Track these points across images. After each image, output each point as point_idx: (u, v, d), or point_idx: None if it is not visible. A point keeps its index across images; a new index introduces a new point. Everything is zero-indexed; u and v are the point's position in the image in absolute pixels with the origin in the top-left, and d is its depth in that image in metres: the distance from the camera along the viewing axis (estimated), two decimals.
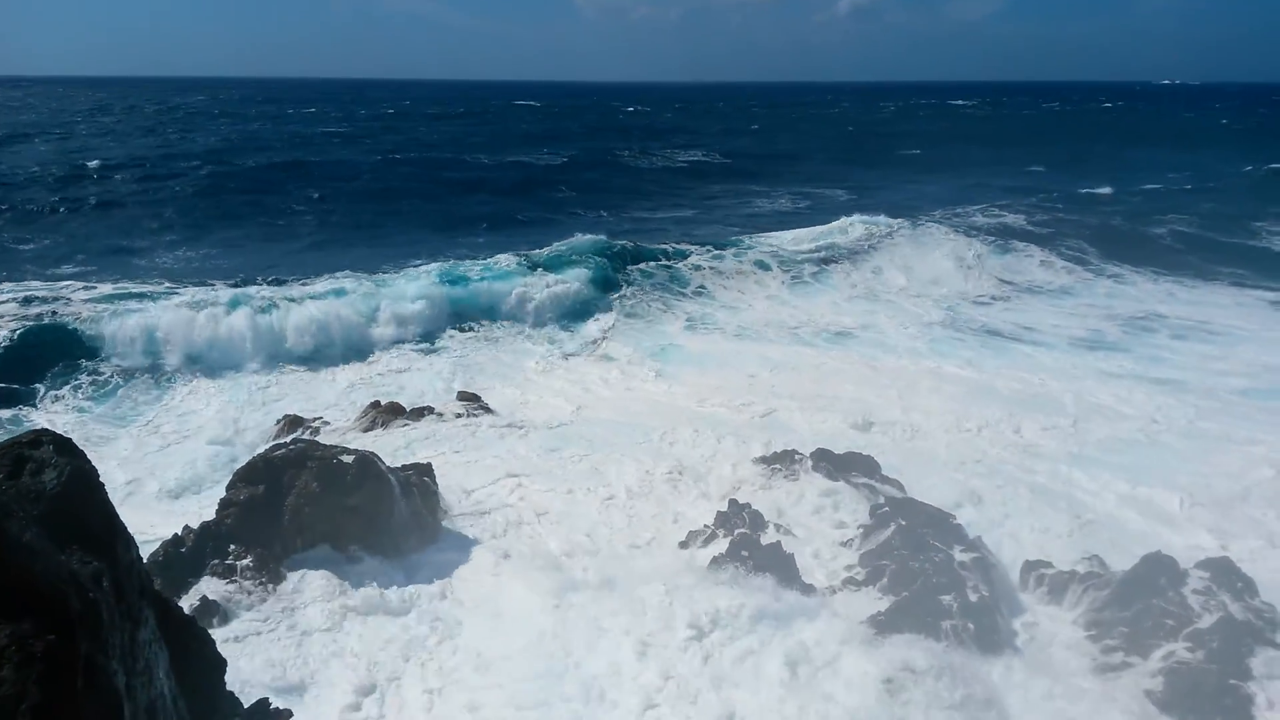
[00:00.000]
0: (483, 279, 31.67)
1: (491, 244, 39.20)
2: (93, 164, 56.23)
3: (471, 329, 29.26)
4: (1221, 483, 18.73)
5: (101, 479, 5.03)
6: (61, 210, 42.85)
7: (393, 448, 18.92)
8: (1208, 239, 46.31)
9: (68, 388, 22.48)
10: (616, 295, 32.70)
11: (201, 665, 6.20)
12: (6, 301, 25.78)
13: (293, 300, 27.74)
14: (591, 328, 30.14)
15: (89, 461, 4.75)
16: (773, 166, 74.33)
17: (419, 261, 34.56)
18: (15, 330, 23.70)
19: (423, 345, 27.88)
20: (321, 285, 29.80)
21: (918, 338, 30.31)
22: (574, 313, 31.09)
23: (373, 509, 14.32)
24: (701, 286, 34.27)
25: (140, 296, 27.19)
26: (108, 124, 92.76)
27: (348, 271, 31.68)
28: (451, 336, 28.69)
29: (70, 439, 4.76)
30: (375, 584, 13.81)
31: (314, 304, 27.58)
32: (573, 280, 32.42)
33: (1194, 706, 12.01)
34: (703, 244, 37.53)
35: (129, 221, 41.04)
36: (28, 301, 26.19)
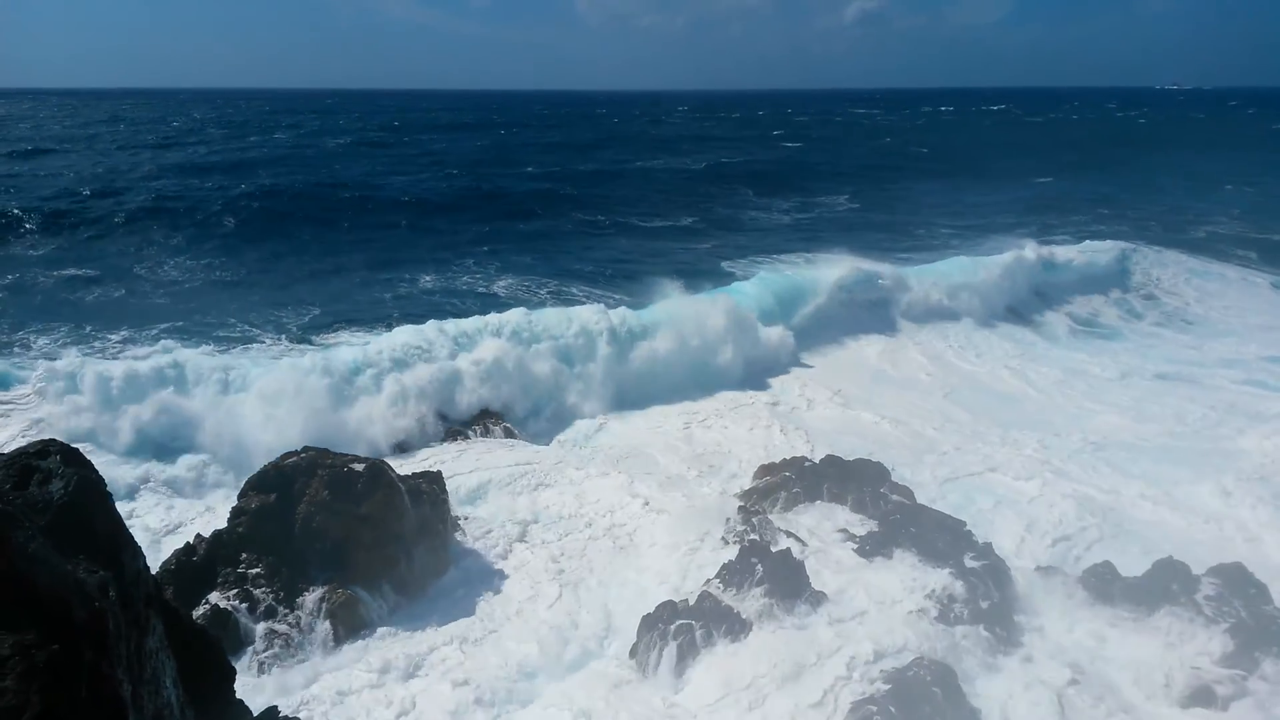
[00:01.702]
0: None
1: (590, 270, 37.15)
2: (123, 185, 52.37)
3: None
4: (1227, 485, 18.64)
5: (109, 488, 5.07)
6: (108, 243, 39.19)
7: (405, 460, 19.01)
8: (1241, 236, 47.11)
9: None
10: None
11: (211, 674, 6.22)
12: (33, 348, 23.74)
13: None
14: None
15: (96, 471, 4.77)
16: (832, 173, 72.80)
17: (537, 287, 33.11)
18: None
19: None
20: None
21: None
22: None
23: (383, 517, 14.34)
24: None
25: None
26: (125, 139, 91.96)
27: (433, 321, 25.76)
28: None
29: (77, 449, 4.79)
30: (392, 623, 13.79)
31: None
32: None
33: (1209, 710, 11.92)
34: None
35: (181, 255, 37.63)
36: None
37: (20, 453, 4.42)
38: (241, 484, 14.88)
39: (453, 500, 16.48)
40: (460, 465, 18.85)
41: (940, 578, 13.94)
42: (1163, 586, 14.01)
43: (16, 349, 23.62)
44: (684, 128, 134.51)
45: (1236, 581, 13.74)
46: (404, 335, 23.47)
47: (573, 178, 65.08)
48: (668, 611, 13.24)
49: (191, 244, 38.75)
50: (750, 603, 13.47)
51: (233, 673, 6.41)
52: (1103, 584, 14.55)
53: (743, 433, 21.86)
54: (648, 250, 41.57)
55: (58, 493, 4.19)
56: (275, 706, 6.66)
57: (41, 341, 24.29)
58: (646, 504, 17.47)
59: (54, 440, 4.51)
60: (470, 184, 59.65)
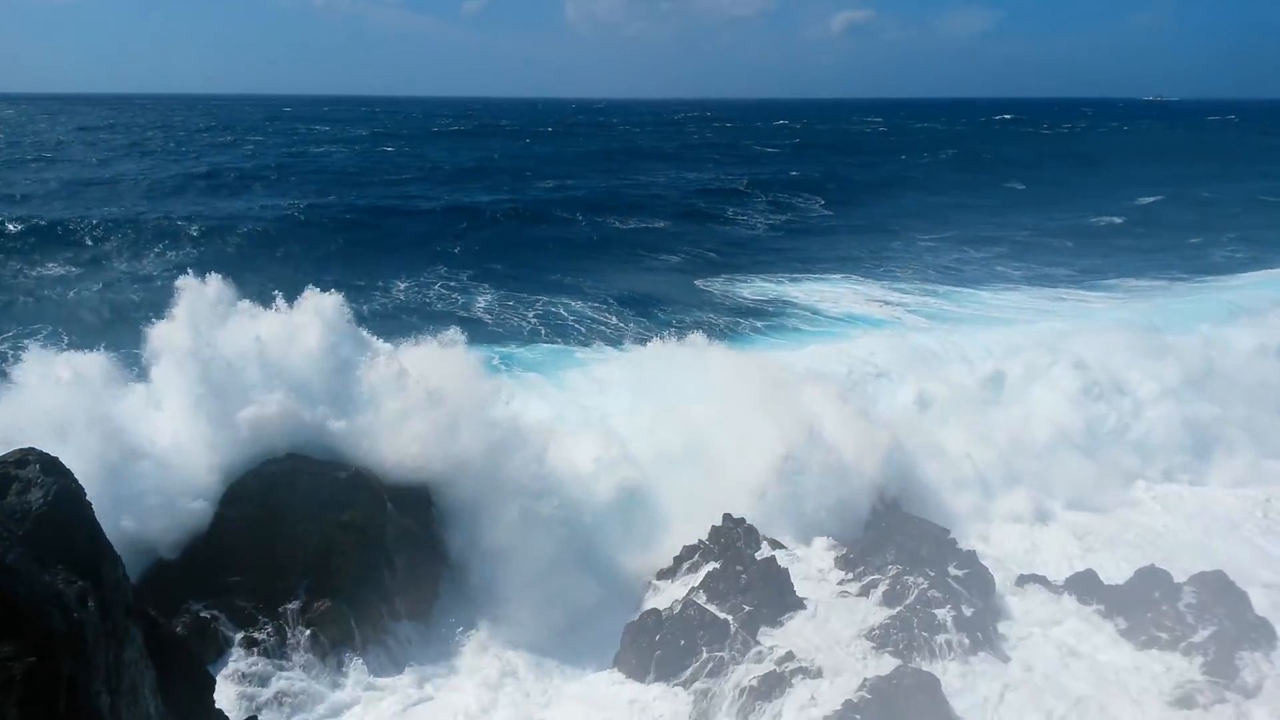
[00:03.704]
0: None
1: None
2: (115, 196, 50.68)
3: None
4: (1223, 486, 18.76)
5: (88, 498, 5.03)
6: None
7: None
8: None
9: None
10: None
11: (189, 683, 6.18)
12: None
13: None
14: None
15: (76, 481, 4.74)
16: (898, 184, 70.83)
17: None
18: None
19: None
20: None
21: None
22: None
23: (365, 526, 14.24)
24: None
25: None
26: (119, 146, 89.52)
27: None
28: None
29: (57, 458, 4.75)
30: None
31: None
32: None
33: (1190, 717, 12.01)
34: None
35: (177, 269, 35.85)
36: None
37: None
38: None
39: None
40: None
41: (924, 586, 13.97)
42: (1145, 594, 14.10)
43: None
44: (681, 136, 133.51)
45: (1218, 589, 13.84)
46: None
47: (568, 189, 64.41)
48: (652, 620, 13.24)
49: (189, 259, 37.22)
50: (734, 611, 13.47)
51: (212, 682, 6.38)
52: (1085, 592, 14.64)
53: None
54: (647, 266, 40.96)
55: (37, 502, 4.17)
56: (255, 716, 6.62)
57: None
58: None
59: (33, 449, 4.47)
60: (471, 195, 58.78)
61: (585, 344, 27.36)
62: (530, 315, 30.64)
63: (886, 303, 33.08)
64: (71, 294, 31.14)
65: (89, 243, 39.90)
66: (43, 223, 41.78)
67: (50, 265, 36.14)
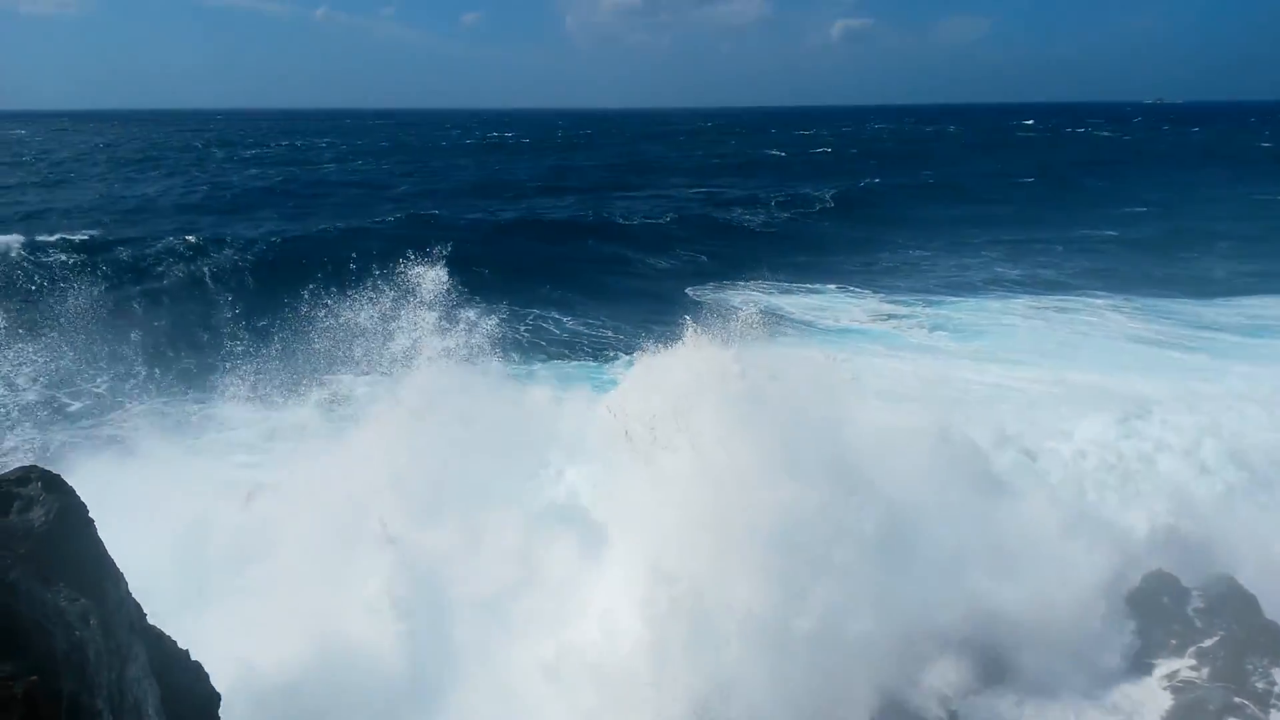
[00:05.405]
0: None
1: None
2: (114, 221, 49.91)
3: None
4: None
5: (90, 515, 5.03)
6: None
7: None
8: None
9: None
10: None
11: (195, 700, 6.16)
12: None
13: None
14: None
15: (78, 498, 4.75)
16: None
17: None
18: None
19: None
20: None
21: None
22: None
23: None
24: None
25: None
26: (118, 166, 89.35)
27: None
28: None
29: (59, 475, 4.76)
30: None
31: None
32: None
33: None
34: None
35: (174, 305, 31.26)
36: None
37: (0, 479, 4.39)
38: None
39: None
40: None
41: None
42: (1153, 599, 14.00)
43: None
44: (681, 145, 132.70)
45: (1226, 594, 13.75)
46: None
47: (563, 201, 64.02)
48: None
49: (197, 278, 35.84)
50: None
51: (217, 698, 6.36)
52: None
53: None
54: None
55: (38, 520, 4.17)
56: None
57: None
58: None
59: (35, 467, 4.48)
60: (463, 210, 58.05)
61: (587, 360, 27.20)
62: (522, 329, 29.52)
63: (894, 316, 32.61)
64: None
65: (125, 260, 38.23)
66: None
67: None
